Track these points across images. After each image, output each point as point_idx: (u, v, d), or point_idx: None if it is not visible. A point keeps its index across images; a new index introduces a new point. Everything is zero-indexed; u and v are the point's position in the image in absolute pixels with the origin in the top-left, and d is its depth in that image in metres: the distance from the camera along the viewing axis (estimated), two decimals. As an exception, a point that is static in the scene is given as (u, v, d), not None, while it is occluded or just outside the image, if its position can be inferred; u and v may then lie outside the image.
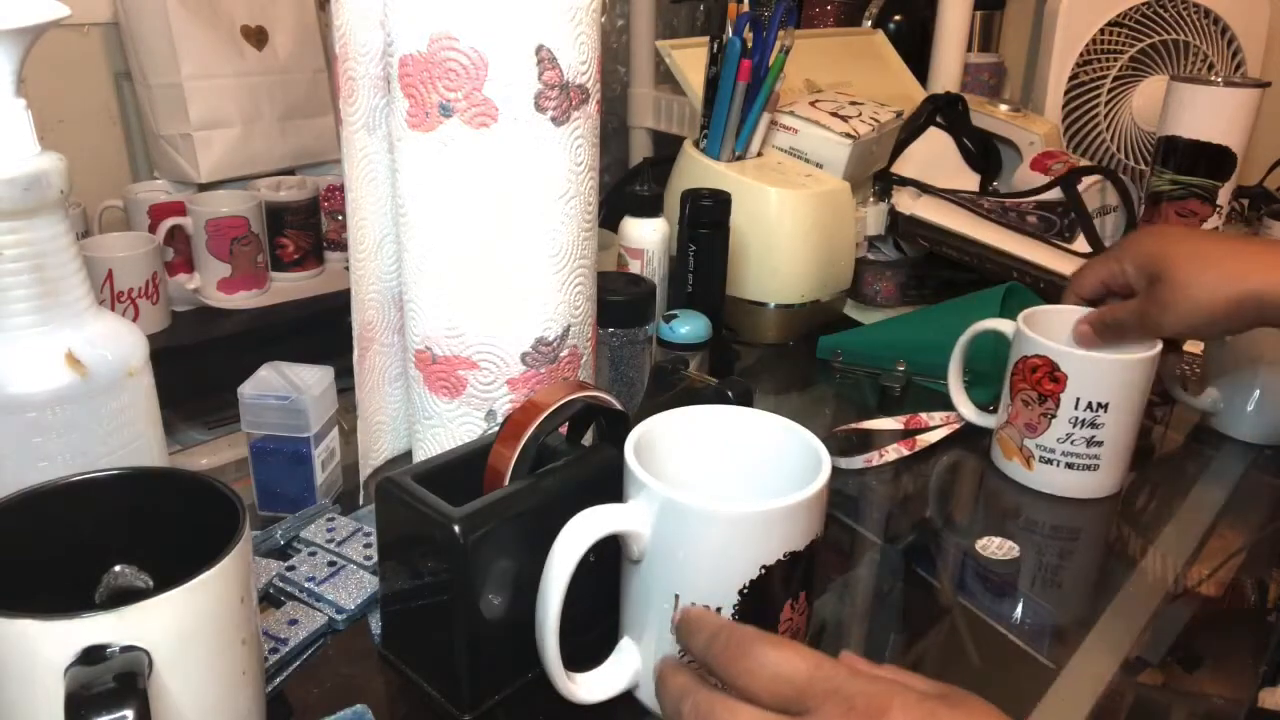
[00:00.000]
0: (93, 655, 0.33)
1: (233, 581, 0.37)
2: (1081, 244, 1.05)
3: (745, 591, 0.42)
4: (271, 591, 0.54)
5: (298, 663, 0.50)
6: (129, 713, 0.31)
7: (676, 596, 0.43)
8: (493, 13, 0.52)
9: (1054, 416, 0.64)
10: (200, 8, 0.90)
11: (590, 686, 0.45)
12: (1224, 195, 0.96)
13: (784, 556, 0.42)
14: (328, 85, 1.01)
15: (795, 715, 0.34)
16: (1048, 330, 0.66)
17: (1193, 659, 0.54)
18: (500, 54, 0.53)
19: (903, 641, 0.54)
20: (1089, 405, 0.63)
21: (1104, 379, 0.63)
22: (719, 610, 0.43)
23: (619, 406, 0.50)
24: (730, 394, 0.55)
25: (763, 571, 0.42)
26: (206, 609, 0.36)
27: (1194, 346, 0.80)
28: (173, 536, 0.40)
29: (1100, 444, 0.65)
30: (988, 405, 0.74)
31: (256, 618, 0.41)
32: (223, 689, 0.38)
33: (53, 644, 0.33)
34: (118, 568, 0.41)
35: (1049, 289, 0.92)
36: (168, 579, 0.35)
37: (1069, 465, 0.66)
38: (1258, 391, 0.75)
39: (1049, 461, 0.66)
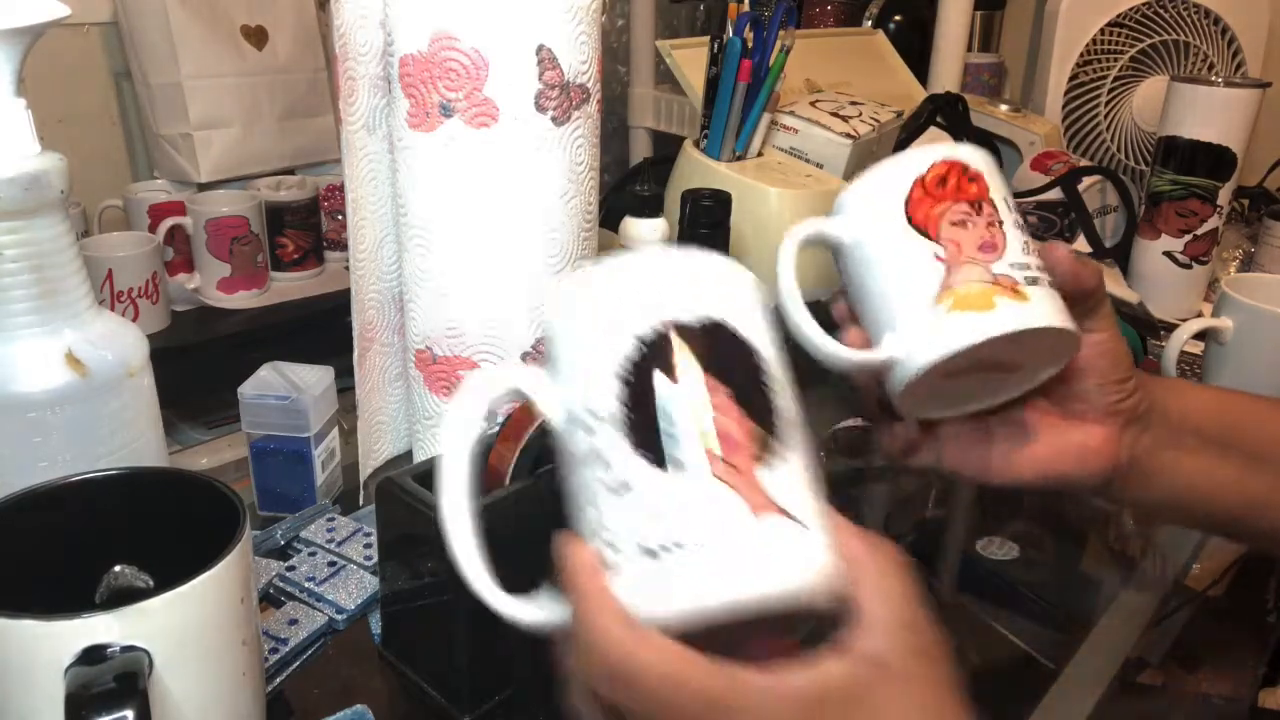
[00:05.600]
0: (93, 655, 0.33)
1: (233, 582, 0.37)
2: (1082, 244, 1.05)
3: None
4: (271, 591, 0.54)
5: (298, 663, 0.50)
6: (129, 713, 0.31)
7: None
8: (493, 12, 0.52)
9: (1002, 222, 0.43)
10: (200, 8, 0.90)
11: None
12: (1224, 195, 0.96)
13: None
14: (328, 85, 1.01)
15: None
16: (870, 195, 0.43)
17: (1193, 659, 0.54)
18: (501, 54, 0.53)
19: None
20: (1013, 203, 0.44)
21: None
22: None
23: (619, 406, 0.50)
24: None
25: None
26: (207, 609, 0.36)
27: (1194, 346, 0.80)
28: (173, 536, 0.40)
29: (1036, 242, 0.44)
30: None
31: (256, 618, 0.41)
32: (223, 689, 0.38)
33: (53, 644, 0.33)
34: (118, 568, 0.41)
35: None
36: (168, 579, 0.35)
37: (1045, 281, 0.43)
38: (1257, 393, 0.75)
39: (1036, 281, 0.42)
